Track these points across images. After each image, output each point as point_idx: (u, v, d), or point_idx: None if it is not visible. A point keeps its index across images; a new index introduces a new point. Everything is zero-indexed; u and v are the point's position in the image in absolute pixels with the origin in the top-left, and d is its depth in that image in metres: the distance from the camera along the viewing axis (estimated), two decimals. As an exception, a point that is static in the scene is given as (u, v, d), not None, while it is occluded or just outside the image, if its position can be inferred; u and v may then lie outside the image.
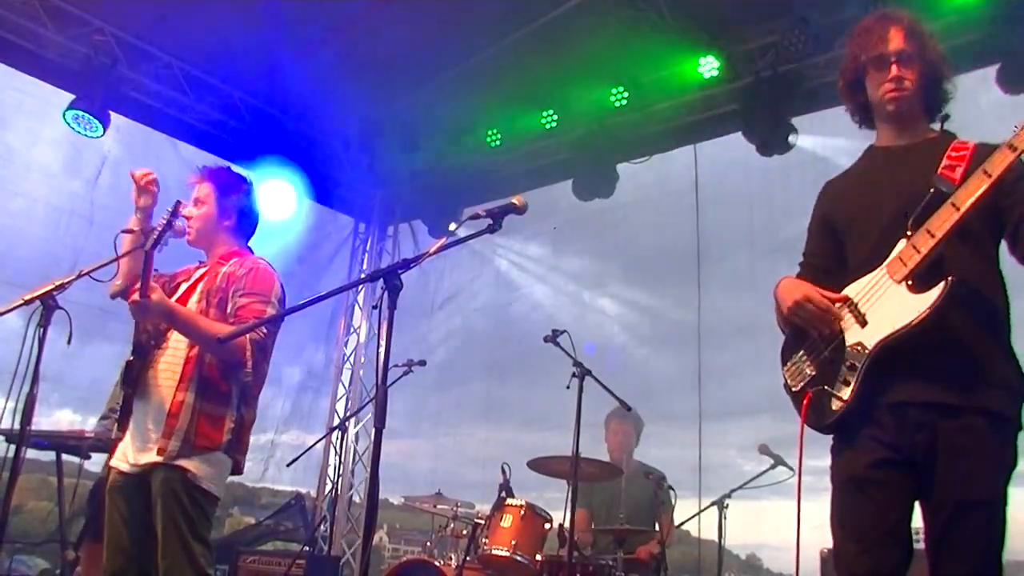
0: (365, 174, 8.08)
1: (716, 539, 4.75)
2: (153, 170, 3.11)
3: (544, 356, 4.31)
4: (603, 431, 5.28)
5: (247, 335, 2.81)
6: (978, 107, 4.79)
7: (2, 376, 3.00)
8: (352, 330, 8.59)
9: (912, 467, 2.06)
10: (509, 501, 4.33)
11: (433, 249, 2.29)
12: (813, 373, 2.23)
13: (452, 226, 7.34)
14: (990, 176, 1.99)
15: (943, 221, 2.04)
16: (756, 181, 6.36)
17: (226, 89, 6.97)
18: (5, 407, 2.97)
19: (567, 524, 3.91)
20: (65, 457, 4.99)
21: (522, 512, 4.24)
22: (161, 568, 2.75)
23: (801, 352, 2.28)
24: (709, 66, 5.95)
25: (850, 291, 2.20)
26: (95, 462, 4.93)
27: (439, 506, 4.87)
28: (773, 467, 4.65)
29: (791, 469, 4.45)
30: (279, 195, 7.07)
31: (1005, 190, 2.07)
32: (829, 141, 5.75)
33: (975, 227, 2.10)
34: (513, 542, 4.13)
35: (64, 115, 6.10)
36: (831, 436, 2.22)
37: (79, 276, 2.98)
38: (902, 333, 2.05)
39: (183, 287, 3.12)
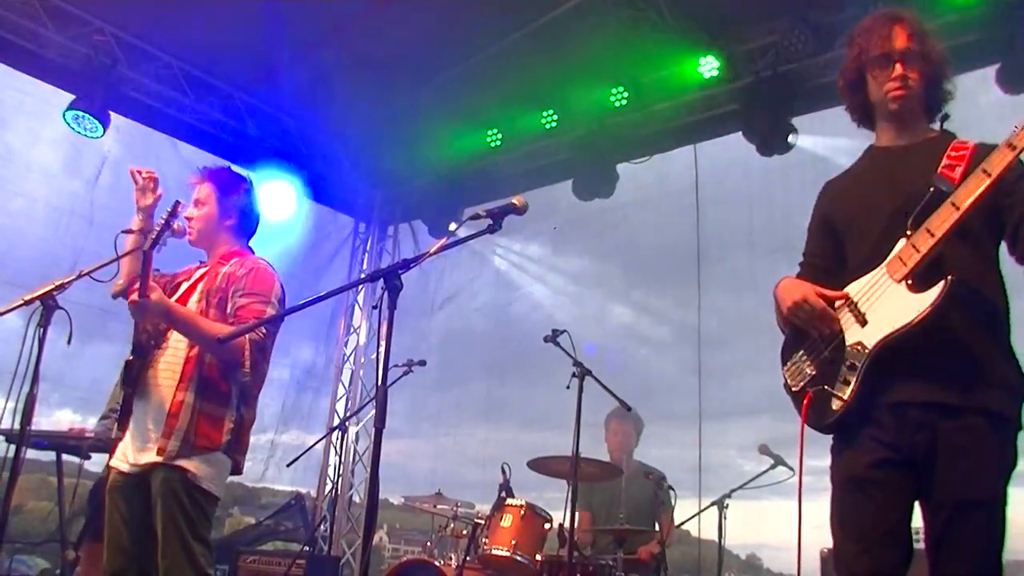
0: (365, 174, 8.09)
1: (716, 539, 4.75)
2: (153, 170, 3.11)
3: (544, 356, 4.31)
4: (603, 431, 5.28)
5: (246, 335, 2.81)
6: (978, 107, 4.78)
7: (2, 376, 3.00)
8: (352, 330, 8.60)
9: (912, 467, 2.06)
10: (509, 501, 4.33)
11: (433, 249, 2.30)
12: (813, 373, 2.23)
13: (452, 226, 7.34)
14: (989, 175, 1.99)
15: (943, 220, 2.04)
16: (756, 181, 6.36)
17: (226, 89, 6.98)
18: (5, 407, 2.97)
19: (567, 524, 3.91)
20: (65, 457, 5.00)
21: (522, 512, 4.24)
22: (161, 568, 2.75)
23: (801, 352, 2.28)
24: (709, 66, 5.94)
25: (850, 290, 2.20)
26: (95, 462, 4.93)
27: (439, 506, 4.87)
28: (773, 467, 4.65)
29: (791, 469, 4.45)
30: (279, 195, 7.07)
31: (1005, 190, 2.07)
32: (829, 141, 5.75)
33: (975, 227, 2.10)
34: (513, 542, 4.13)
35: (64, 115, 6.10)
36: (831, 436, 2.22)
37: (79, 276, 2.98)
38: (902, 332, 2.05)
39: (183, 287, 3.12)
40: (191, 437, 2.81)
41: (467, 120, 7.13)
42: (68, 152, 6.69)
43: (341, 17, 6.16)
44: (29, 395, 2.80)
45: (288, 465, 5.81)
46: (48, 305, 2.88)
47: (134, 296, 2.72)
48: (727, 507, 4.76)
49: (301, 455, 5.43)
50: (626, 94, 6.34)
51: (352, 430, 8.01)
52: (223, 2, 5.96)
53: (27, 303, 2.91)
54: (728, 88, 6.05)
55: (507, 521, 4.23)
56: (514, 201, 2.33)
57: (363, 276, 7.39)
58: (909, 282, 2.08)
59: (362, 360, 8.43)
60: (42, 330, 2.85)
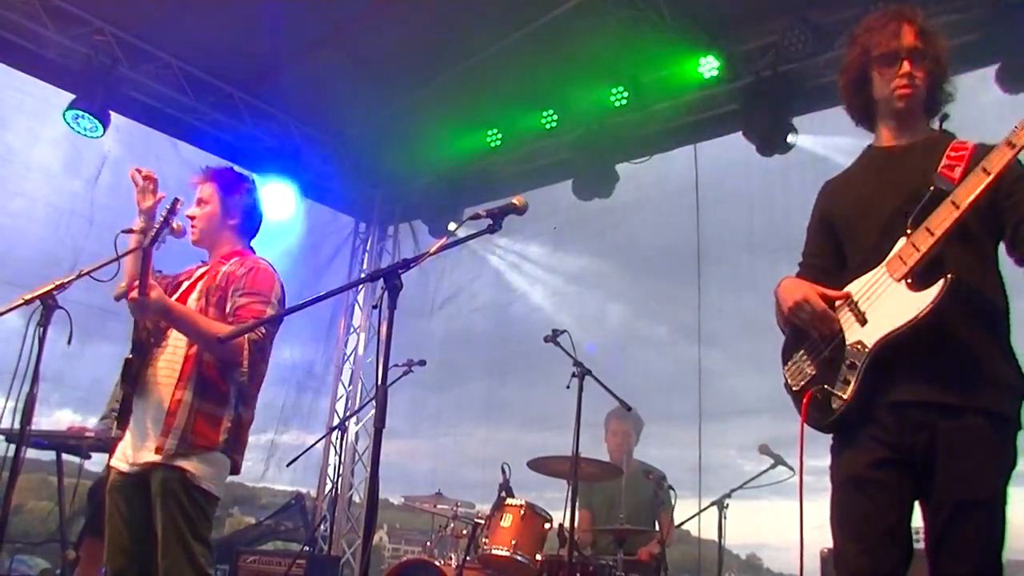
0: (365, 174, 8.09)
1: (716, 539, 4.75)
2: (153, 170, 3.11)
3: (544, 356, 4.31)
4: (603, 431, 5.28)
5: (246, 335, 2.81)
6: (978, 107, 4.78)
7: (2, 376, 3.00)
8: (352, 330, 8.60)
9: (912, 467, 2.06)
10: (509, 501, 4.34)
11: (433, 249, 2.29)
12: (813, 372, 2.23)
13: (452, 226, 7.34)
14: (989, 173, 1.99)
15: (943, 219, 2.04)
16: (756, 181, 6.36)
17: (226, 89, 6.97)
18: (5, 407, 2.98)
19: (567, 524, 3.91)
20: (65, 457, 4.99)
21: (522, 512, 4.24)
22: (161, 568, 2.75)
23: (802, 351, 2.28)
24: (709, 66, 5.94)
25: (850, 289, 2.20)
26: (95, 462, 4.94)
27: (439, 506, 4.87)
28: (773, 467, 4.66)
29: (791, 469, 4.46)
30: (279, 195, 7.07)
31: (1004, 191, 2.07)
32: (829, 141, 5.74)
33: (974, 228, 2.11)
34: (513, 542, 4.13)
35: (64, 115, 6.10)
36: (831, 436, 2.22)
37: (79, 276, 2.99)
38: (902, 331, 2.05)
39: (184, 286, 3.12)
40: (188, 436, 2.81)
41: (467, 120, 7.13)
42: (68, 152, 6.69)
43: (341, 17, 6.16)
44: (29, 395, 2.81)
45: (288, 465, 5.81)
46: (48, 305, 2.89)
47: (134, 294, 2.72)
48: (727, 507, 4.76)
49: (301, 455, 5.43)
50: (626, 94, 6.34)
51: (352, 430, 8.01)
52: (223, 2, 5.96)
53: (27, 303, 2.91)
54: (728, 88, 6.06)
55: (507, 521, 4.23)
56: (514, 201, 2.33)
57: (363, 276, 7.39)
58: (909, 281, 2.08)
59: (362, 360, 8.44)
60: (42, 330, 2.85)
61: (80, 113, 6.08)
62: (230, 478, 3.02)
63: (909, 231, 2.11)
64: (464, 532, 4.57)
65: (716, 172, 6.64)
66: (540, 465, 4.52)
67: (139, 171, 3.07)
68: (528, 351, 6.43)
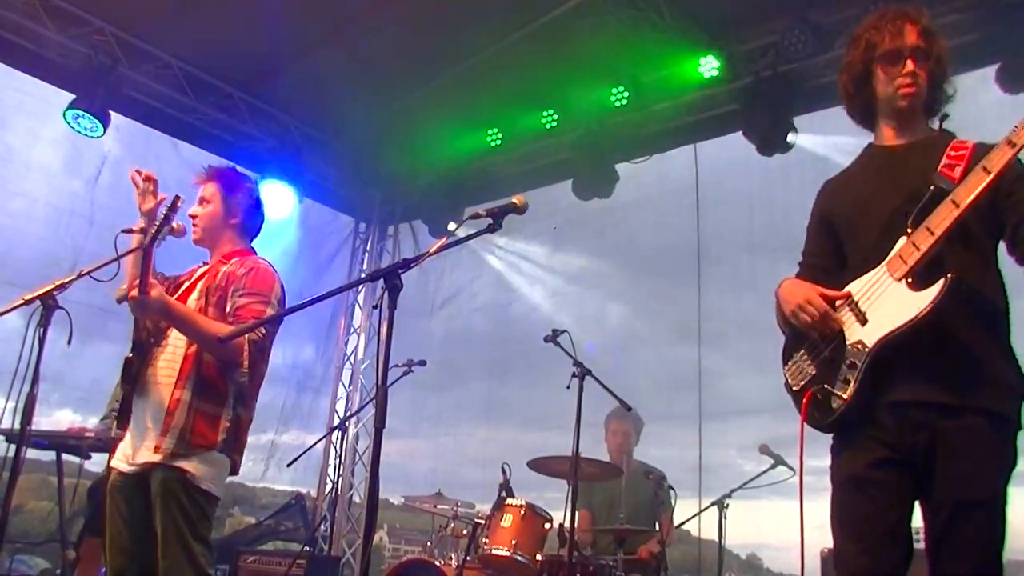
0: (365, 174, 8.09)
1: (716, 539, 4.75)
2: (153, 171, 3.10)
3: (544, 356, 4.31)
4: (603, 431, 5.28)
5: (246, 335, 2.81)
6: (978, 107, 4.78)
7: (2, 376, 3.00)
8: (352, 330, 8.60)
9: (912, 467, 2.06)
10: (509, 501, 4.34)
11: (433, 249, 2.29)
12: (814, 372, 2.23)
13: (452, 226, 7.34)
14: (989, 172, 1.99)
15: (943, 219, 2.04)
16: (756, 181, 6.36)
17: (226, 89, 6.97)
18: (5, 407, 2.98)
19: (567, 524, 3.91)
20: (65, 457, 5.00)
21: (522, 512, 4.24)
22: (161, 568, 2.74)
23: (802, 351, 2.28)
24: (709, 66, 5.94)
25: (851, 289, 2.21)
26: (95, 462, 4.94)
27: (439, 506, 4.87)
28: (773, 467, 4.65)
29: (791, 469, 4.46)
30: (278, 195, 7.07)
31: (1005, 190, 2.07)
32: (829, 140, 5.74)
33: (974, 227, 2.11)
34: (513, 542, 4.13)
35: (64, 115, 6.10)
36: (831, 435, 2.22)
37: (79, 276, 2.98)
38: (902, 330, 2.05)
39: (184, 285, 3.12)
40: (187, 435, 2.80)
41: (467, 120, 7.13)
42: (68, 152, 6.69)
43: (341, 17, 6.16)
44: (29, 395, 2.80)
45: (288, 465, 5.81)
46: (48, 305, 2.89)
47: (134, 292, 2.71)
48: (727, 507, 4.76)
49: (301, 455, 5.43)
50: (626, 94, 6.34)
51: (352, 430, 8.01)
52: (223, 2, 5.96)
53: (27, 303, 2.91)
54: (728, 88, 6.06)
55: (507, 521, 4.23)
56: (514, 201, 2.33)
57: (363, 276, 7.39)
58: (909, 280, 2.08)
59: (362, 360, 8.44)
60: (42, 330, 2.85)
61: (80, 113, 6.08)
62: (230, 478, 3.01)
63: (909, 230, 2.11)
64: (464, 532, 4.57)
65: (716, 172, 6.63)
66: (540, 465, 4.52)
67: (139, 172, 3.07)
68: (528, 351, 6.43)
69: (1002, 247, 2.16)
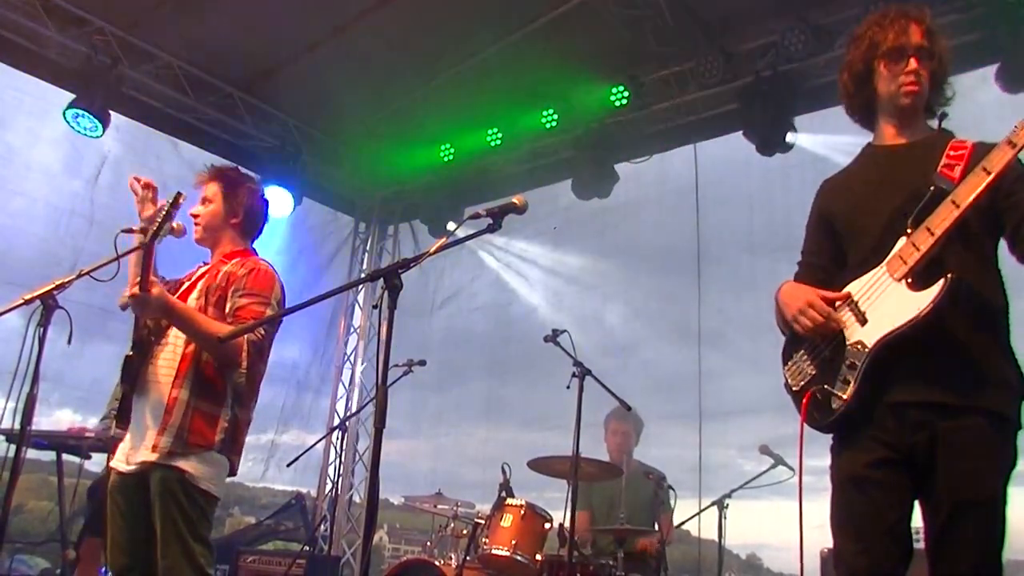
0: (365, 174, 8.09)
1: (716, 539, 4.75)
2: (153, 171, 3.11)
3: (544, 356, 4.31)
4: (603, 431, 5.28)
5: (245, 335, 2.81)
6: (978, 106, 4.78)
7: (2, 376, 3.00)
8: (352, 330, 8.60)
9: (912, 467, 2.06)
10: (509, 501, 4.33)
11: (433, 249, 2.29)
12: (814, 372, 2.23)
13: (452, 226, 7.34)
14: (989, 173, 1.99)
15: (943, 219, 2.04)
16: (756, 181, 6.36)
17: (226, 89, 6.97)
18: (5, 407, 2.97)
19: (567, 524, 3.91)
20: (65, 457, 5.00)
21: (522, 512, 4.24)
22: (161, 568, 2.74)
23: (802, 351, 2.28)
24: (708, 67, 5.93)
25: (851, 289, 2.20)
26: (95, 462, 4.94)
27: (439, 506, 4.87)
28: (773, 467, 4.65)
29: (791, 469, 4.45)
30: (278, 195, 7.07)
31: (1005, 190, 2.07)
32: (829, 140, 5.74)
33: (974, 228, 2.11)
34: (513, 542, 4.13)
35: (64, 114, 6.10)
36: (831, 436, 2.22)
37: (79, 276, 2.98)
38: (902, 331, 2.05)
39: (184, 285, 3.12)
40: (184, 434, 2.80)
41: (467, 120, 7.13)
42: (68, 152, 6.69)
43: (341, 17, 6.16)
44: (29, 395, 2.80)
45: (288, 465, 5.81)
46: (48, 305, 2.88)
47: (135, 290, 2.71)
48: (727, 507, 4.76)
49: (301, 455, 5.44)
50: (626, 94, 6.34)
51: (352, 430, 8.01)
52: (223, 2, 5.97)
53: (27, 303, 2.91)
54: (728, 88, 6.05)
55: (507, 521, 4.23)
56: (514, 200, 2.33)
57: (363, 276, 7.38)
58: (909, 280, 2.08)
59: (362, 360, 8.44)
60: (42, 330, 2.85)
61: (80, 112, 6.08)
62: (229, 478, 3.01)
63: (909, 230, 2.11)
64: (464, 532, 4.57)
65: (716, 172, 6.63)
66: (540, 465, 4.51)
67: (138, 180, 3.06)
68: (528, 351, 6.43)
69: (1002, 247, 2.16)
